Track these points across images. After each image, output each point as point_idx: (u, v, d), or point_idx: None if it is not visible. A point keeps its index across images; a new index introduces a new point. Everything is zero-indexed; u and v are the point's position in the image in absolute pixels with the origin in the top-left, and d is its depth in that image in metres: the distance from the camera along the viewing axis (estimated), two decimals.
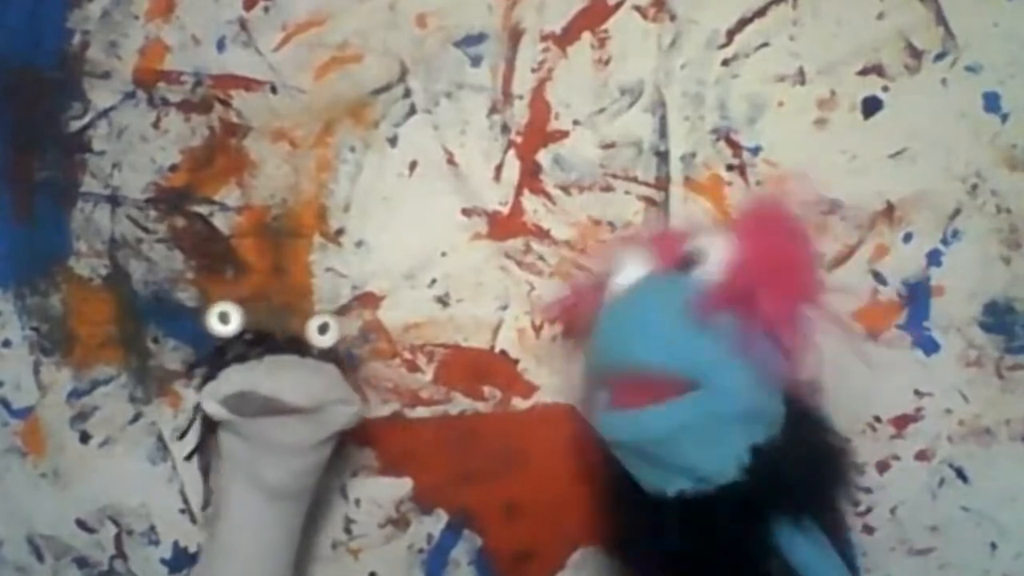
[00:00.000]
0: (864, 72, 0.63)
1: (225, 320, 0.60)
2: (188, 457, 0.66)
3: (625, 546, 0.57)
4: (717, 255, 0.52)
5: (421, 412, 0.67)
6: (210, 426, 0.61)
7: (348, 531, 0.68)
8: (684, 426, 0.50)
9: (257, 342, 0.60)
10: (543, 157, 0.66)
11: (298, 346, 0.61)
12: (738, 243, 0.52)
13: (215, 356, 0.61)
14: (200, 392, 0.59)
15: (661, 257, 0.56)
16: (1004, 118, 0.62)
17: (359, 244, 0.68)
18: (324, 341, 0.61)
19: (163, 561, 0.71)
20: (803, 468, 0.51)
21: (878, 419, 0.63)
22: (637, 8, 0.65)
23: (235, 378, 0.58)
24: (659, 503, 0.52)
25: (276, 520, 0.60)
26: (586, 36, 0.66)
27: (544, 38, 0.66)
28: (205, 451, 0.64)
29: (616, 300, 0.55)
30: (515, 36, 0.66)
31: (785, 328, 0.51)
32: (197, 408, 0.61)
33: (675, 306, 0.51)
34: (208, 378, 0.60)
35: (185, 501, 0.70)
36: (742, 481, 0.50)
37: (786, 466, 0.50)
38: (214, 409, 0.57)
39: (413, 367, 0.67)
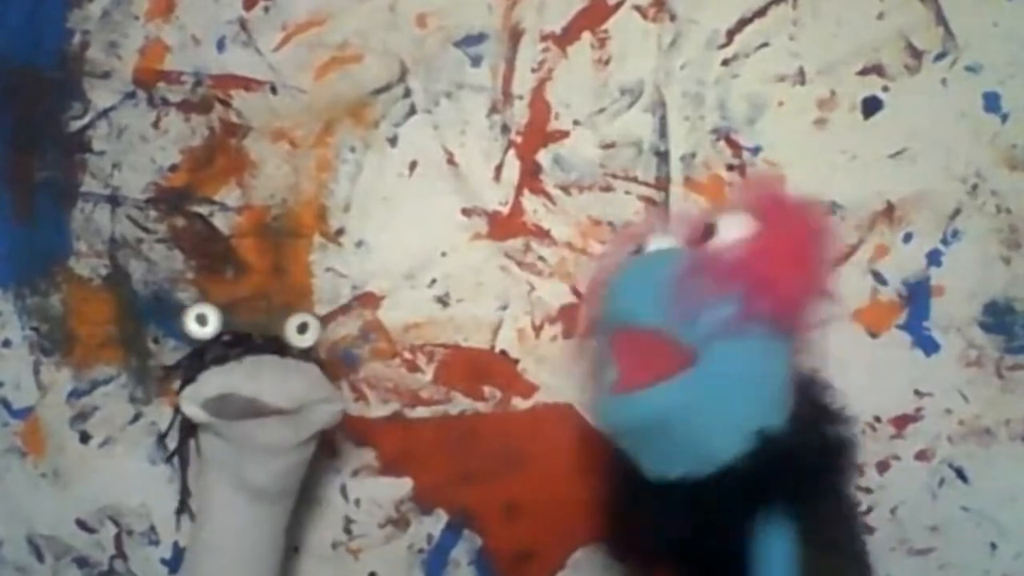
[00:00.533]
0: (864, 72, 0.63)
1: (203, 322, 0.60)
2: (169, 459, 0.66)
3: (627, 539, 0.57)
4: (734, 230, 0.52)
5: (421, 412, 0.67)
6: (190, 428, 0.61)
7: (348, 531, 0.68)
8: (684, 405, 0.50)
9: (236, 343, 0.60)
10: (543, 157, 0.66)
11: (277, 346, 0.61)
12: (758, 224, 0.52)
13: (194, 358, 0.61)
14: (179, 395, 0.59)
15: (686, 236, 0.56)
16: (1004, 118, 0.62)
17: (359, 244, 0.68)
18: (304, 341, 0.61)
19: (163, 561, 0.71)
20: (804, 458, 0.50)
21: (878, 419, 0.63)
22: (637, 8, 0.65)
23: (215, 381, 0.57)
24: (660, 491, 0.52)
25: (260, 521, 0.59)
26: (586, 36, 0.66)
27: (544, 38, 0.66)
28: (185, 453, 0.64)
29: (630, 262, 0.55)
30: (515, 36, 0.66)
31: (793, 313, 0.51)
32: (177, 411, 0.61)
33: (682, 272, 0.51)
34: (187, 381, 0.59)
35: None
36: (741, 465, 0.50)
37: (787, 454, 0.50)
38: (194, 412, 0.57)
39: (413, 367, 0.67)
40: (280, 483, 0.59)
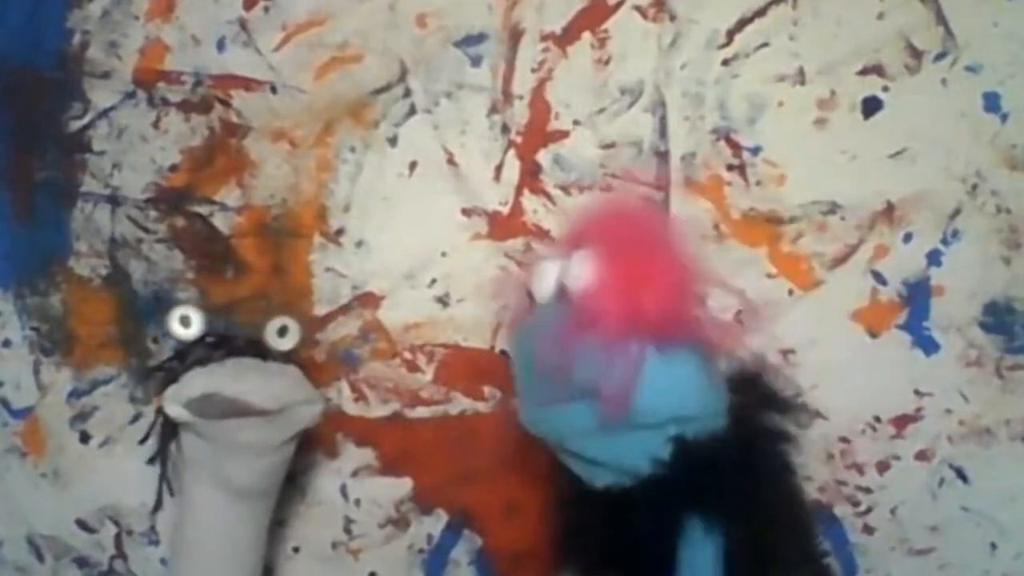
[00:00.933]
0: (864, 72, 0.63)
1: (187, 323, 0.61)
2: (151, 461, 0.66)
3: (564, 545, 0.57)
4: (575, 277, 0.50)
5: (421, 412, 0.67)
6: (171, 429, 0.61)
7: (348, 531, 0.68)
8: (585, 426, 0.50)
9: (219, 345, 0.61)
10: (543, 157, 0.66)
11: (259, 349, 0.61)
12: (595, 256, 0.49)
13: (176, 359, 0.62)
14: (162, 396, 0.59)
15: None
16: (1004, 118, 0.62)
17: (359, 244, 0.68)
18: (284, 344, 0.62)
19: (163, 561, 0.71)
20: (730, 468, 0.49)
21: (878, 419, 0.63)
22: (637, 8, 0.65)
23: (198, 381, 0.58)
24: (590, 497, 0.52)
25: (242, 519, 0.60)
26: (586, 36, 0.65)
27: (544, 38, 0.66)
28: (165, 454, 0.64)
29: (513, 340, 0.55)
30: (515, 36, 0.66)
31: (667, 325, 0.49)
32: (158, 412, 0.62)
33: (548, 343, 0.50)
34: (169, 381, 0.60)
35: None
36: (659, 476, 0.49)
37: (709, 464, 0.49)
38: (177, 412, 0.57)
39: (413, 367, 0.67)
40: (263, 481, 0.60)
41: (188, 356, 0.61)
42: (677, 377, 0.49)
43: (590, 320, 0.48)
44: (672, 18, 0.65)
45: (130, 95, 0.71)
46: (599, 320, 0.47)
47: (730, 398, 0.52)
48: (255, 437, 0.58)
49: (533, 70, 0.66)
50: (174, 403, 0.57)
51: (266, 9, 0.69)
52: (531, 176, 0.66)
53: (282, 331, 0.62)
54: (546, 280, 0.52)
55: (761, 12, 0.64)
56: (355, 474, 0.68)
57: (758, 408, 0.53)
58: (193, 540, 0.60)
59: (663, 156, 0.65)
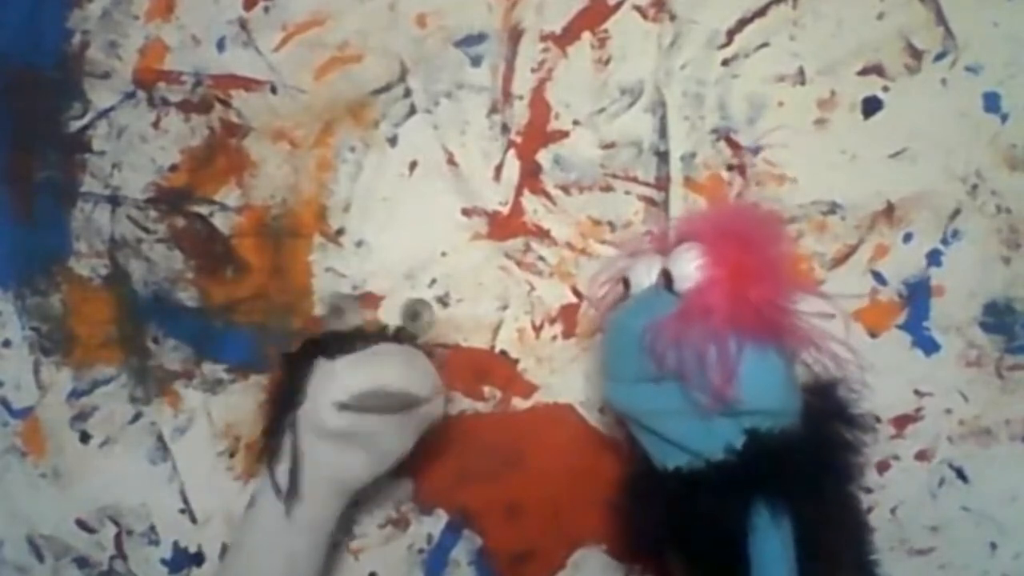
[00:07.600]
0: (864, 72, 0.63)
1: (416, 316, 0.60)
2: (260, 456, 0.60)
3: (628, 523, 0.58)
4: (687, 271, 0.53)
5: None
6: (292, 427, 0.57)
7: (348, 531, 0.68)
8: (672, 407, 0.52)
9: (361, 335, 0.58)
10: (543, 157, 0.66)
11: (398, 336, 0.60)
12: (706, 255, 0.53)
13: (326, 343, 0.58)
14: (312, 398, 0.55)
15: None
16: (1004, 118, 0.62)
17: (359, 244, 0.68)
18: (417, 328, 0.61)
19: (163, 561, 0.71)
20: (799, 463, 0.51)
21: (878, 419, 0.63)
22: (637, 8, 0.65)
23: (357, 376, 0.54)
24: (657, 477, 0.54)
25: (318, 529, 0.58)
26: (586, 36, 0.66)
27: (544, 38, 0.66)
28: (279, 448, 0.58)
29: (613, 320, 0.57)
30: (515, 36, 0.66)
31: (764, 326, 0.51)
32: (282, 409, 0.57)
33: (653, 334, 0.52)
34: (297, 379, 0.56)
35: (185, 501, 0.70)
36: (730, 461, 0.51)
37: (780, 456, 0.51)
38: (335, 420, 0.54)
39: None
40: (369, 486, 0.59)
41: (328, 347, 0.57)
42: (766, 372, 0.52)
43: (700, 312, 0.51)
44: (672, 18, 0.65)
45: (130, 95, 0.71)
46: (708, 312, 0.50)
47: (806, 402, 0.53)
48: (396, 442, 0.56)
49: (533, 70, 0.66)
50: (330, 408, 0.54)
51: (266, 9, 0.69)
52: (531, 176, 0.66)
53: (414, 315, 0.61)
54: (650, 271, 0.56)
55: (761, 12, 0.64)
56: None
57: (830, 416, 0.54)
58: (256, 539, 0.58)
59: (663, 156, 0.65)
